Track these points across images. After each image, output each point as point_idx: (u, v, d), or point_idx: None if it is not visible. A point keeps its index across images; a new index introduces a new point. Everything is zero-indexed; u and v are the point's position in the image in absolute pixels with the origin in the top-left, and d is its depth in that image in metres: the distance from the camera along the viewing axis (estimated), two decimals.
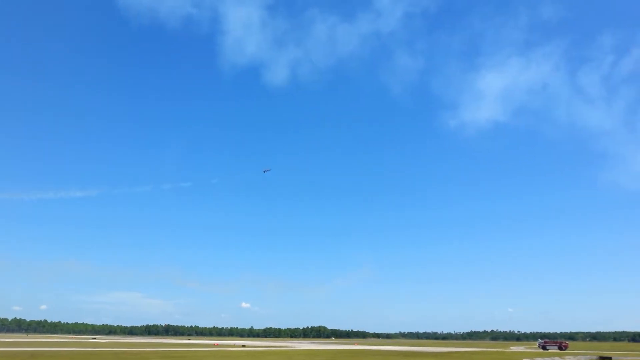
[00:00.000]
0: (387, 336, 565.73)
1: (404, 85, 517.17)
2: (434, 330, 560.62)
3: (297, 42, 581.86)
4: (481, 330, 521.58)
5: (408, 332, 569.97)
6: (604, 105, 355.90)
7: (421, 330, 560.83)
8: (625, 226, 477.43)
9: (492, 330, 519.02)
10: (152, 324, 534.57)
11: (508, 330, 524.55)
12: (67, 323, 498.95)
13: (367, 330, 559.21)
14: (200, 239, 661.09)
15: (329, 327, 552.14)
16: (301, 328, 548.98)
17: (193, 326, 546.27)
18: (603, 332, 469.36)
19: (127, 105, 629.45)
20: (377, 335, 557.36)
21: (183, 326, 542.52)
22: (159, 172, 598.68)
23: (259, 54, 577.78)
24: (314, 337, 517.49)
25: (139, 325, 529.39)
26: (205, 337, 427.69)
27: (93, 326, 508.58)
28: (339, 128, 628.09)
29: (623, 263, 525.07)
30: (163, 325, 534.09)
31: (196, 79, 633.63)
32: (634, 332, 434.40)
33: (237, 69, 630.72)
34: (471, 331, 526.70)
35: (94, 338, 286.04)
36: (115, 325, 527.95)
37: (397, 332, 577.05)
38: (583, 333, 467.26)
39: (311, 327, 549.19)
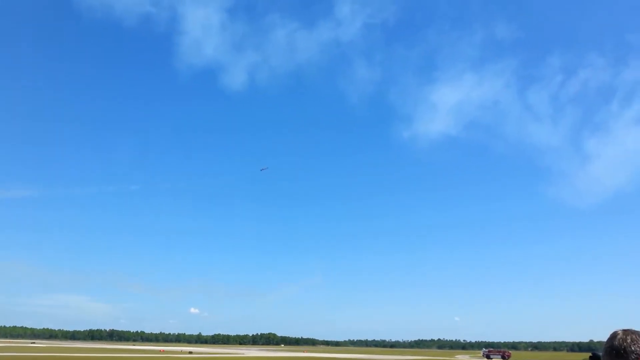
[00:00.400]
0: (337, 344, 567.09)
1: (362, 95, 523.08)
2: (382, 338, 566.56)
3: (256, 47, 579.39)
4: (428, 338, 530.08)
5: (357, 340, 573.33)
6: (551, 123, 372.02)
7: (370, 338, 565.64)
8: (566, 239, 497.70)
9: (439, 339, 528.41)
10: (95, 329, 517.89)
11: (454, 339, 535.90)
12: (5, 326, 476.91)
13: (316, 338, 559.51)
14: (148, 243, 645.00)
15: (279, 334, 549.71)
16: (250, 335, 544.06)
17: (139, 332, 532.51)
18: (544, 342, 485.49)
19: (73, 103, 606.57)
20: (327, 343, 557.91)
21: (129, 331, 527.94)
22: (106, 174, 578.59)
23: (217, 56, 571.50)
24: (263, 344, 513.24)
25: (82, 330, 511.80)
26: (152, 343, 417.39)
27: (33, 330, 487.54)
28: (296, 134, 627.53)
29: (563, 275, 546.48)
30: (107, 330, 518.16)
31: (150, 80, 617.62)
32: (572, 342, 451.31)
33: (193, 71, 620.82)
34: (419, 339, 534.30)
35: (33, 342, 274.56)
36: (57, 329, 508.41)
37: (347, 339, 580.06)
38: (525, 343, 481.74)
39: (261, 334, 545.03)
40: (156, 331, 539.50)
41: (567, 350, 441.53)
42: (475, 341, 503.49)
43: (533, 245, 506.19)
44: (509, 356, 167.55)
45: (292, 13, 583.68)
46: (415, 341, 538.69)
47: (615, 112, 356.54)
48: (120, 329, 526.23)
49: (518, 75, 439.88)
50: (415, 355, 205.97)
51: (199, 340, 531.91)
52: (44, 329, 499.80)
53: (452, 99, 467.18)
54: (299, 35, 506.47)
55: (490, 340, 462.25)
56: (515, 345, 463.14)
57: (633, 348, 3.35)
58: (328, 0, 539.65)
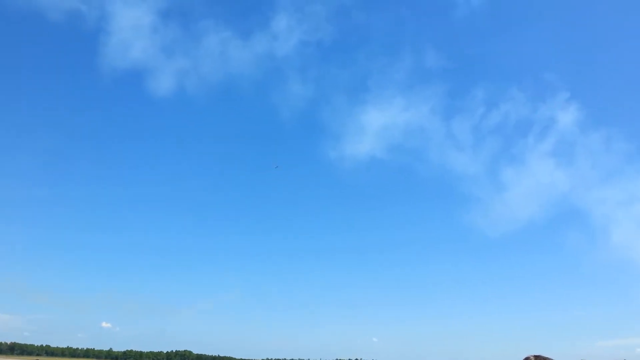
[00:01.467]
0: None
1: (293, 110, 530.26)
2: (300, 357, 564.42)
3: (186, 52, 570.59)
4: (346, 358, 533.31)
5: (275, 359, 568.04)
6: (471, 151, 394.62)
7: (289, 357, 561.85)
8: (478, 265, 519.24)
9: (357, 359, 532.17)
10: None
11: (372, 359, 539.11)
12: None
13: (234, 356, 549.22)
14: (59, 251, 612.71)
15: (195, 351, 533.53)
16: (165, 352, 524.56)
17: (44, 345, 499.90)
18: None
19: None
20: None
21: (32, 345, 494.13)
22: (13, 180, 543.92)
23: (145, 59, 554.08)
24: None
25: None
26: (57, 358, 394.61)
27: None
28: (224, 144, 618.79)
29: (473, 298, 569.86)
30: (8, 343, 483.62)
31: (72, 78, 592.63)
32: None
33: (118, 73, 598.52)
34: (337, 359, 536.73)
35: None
36: None
37: (265, 358, 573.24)
38: None
39: (176, 351, 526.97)
40: (63, 345, 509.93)
41: None
42: None
43: (448, 269, 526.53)
44: None
45: (228, 21, 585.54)
46: None
47: (530, 145, 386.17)
48: (23, 342, 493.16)
49: (444, 103, 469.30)
50: None
51: (109, 356, 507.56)
52: None
53: (380, 122, 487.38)
54: (233, 45, 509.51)
55: None
56: None
57: None
58: (265, 13, 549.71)
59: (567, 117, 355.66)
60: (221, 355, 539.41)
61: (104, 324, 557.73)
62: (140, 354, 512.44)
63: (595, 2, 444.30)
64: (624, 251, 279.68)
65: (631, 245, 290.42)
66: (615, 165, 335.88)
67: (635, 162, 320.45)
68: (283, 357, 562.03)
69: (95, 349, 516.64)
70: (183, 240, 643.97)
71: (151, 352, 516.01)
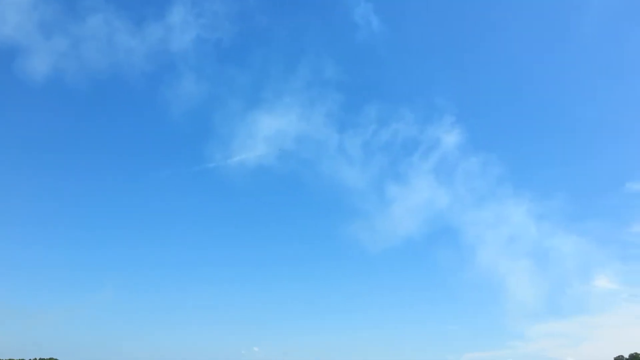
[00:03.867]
0: None
1: (185, 109, 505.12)
2: None
3: (68, 34, 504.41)
4: None
5: None
6: (360, 167, 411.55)
7: None
8: (360, 279, 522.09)
9: None
10: None
11: None
12: None
13: None
14: None
15: (62, 358, 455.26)
16: None
17: None
18: None
19: None
20: None
21: None
22: None
23: (18, 36, 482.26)
24: None
25: None
26: None
27: None
28: (102, 139, 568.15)
29: (354, 310, 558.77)
30: None
31: None
32: None
33: None
34: None
35: None
36: None
37: None
38: None
39: (40, 358, 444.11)
40: None
41: None
42: None
43: (331, 281, 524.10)
44: None
45: (120, 6, 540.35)
46: None
47: (415, 164, 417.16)
48: None
49: (338, 117, 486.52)
50: None
51: None
52: None
53: (273, 129, 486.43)
54: (123, 32, 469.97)
55: None
56: None
57: None
58: (161, 3, 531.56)
59: (450, 139, 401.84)
60: None
61: None
62: None
63: (486, 36, 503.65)
64: (489, 271, 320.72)
65: (495, 265, 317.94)
66: (488, 188, 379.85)
67: (505, 187, 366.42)
68: None
69: None
70: (52, 234, 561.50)
71: None
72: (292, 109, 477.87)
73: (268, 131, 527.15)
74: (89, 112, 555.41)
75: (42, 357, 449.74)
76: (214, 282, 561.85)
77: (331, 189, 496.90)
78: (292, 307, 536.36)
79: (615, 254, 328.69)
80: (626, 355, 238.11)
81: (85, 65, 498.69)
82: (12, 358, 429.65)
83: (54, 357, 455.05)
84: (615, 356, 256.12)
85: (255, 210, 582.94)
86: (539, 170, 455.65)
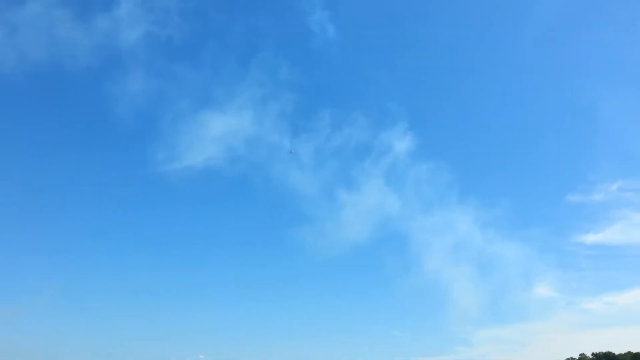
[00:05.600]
0: None
1: (131, 108, 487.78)
2: None
3: (4, 21, 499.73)
4: None
5: None
6: (312, 172, 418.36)
7: None
8: (308, 285, 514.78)
9: None
10: None
11: None
12: None
13: None
14: None
15: None
16: None
17: None
18: None
19: None
20: None
21: None
22: None
23: None
24: None
25: None
26: None
27: None
28: (39, 136, 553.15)
29: (303, 316, 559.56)
30: None
31: None
32: None
33: None
34: None
35: None
36: None
37: None
38: None
39: None
40: None
41: None
42: None
43: (279, 287, 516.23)
44: None
45: None
46: None
47: (367, 169, 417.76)
48: None
49: (292, 121, 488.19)
50: None
51: None
52: None
53: (224, 131, 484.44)
54: (65, 23, 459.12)
55: None
56: None
57: None
58: None
59: (402, 146, 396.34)
60: None
61: None
62: None
63: (438, 47, 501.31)
64: (435, 277, 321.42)
65: (441, 271, 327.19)
66: (436, 195, 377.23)
67: (453, 194, 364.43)
68: None
69: None
70: None
71: None
72: (244, 110, 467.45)
73: (218, 133, 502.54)
74: (25, 106, 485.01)
75: None
76: (158, 289, 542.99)
77: (281, 193, 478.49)
78: (238, 313, 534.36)
79: (555, 263, 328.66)
80: None
81: (23, 56, 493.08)
82: None
83: None
84: None
85: (202, 214, 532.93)
86: (485, 178, 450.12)
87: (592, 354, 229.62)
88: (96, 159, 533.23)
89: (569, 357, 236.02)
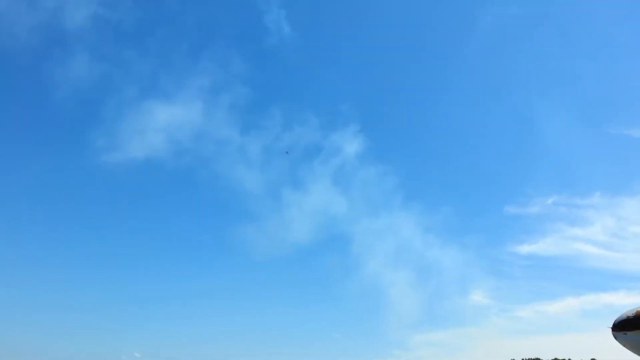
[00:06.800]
0: None
1: (73, 93, 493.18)
2: None
3: None
4: None
5: None
6: (259, 170, 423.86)
7: None
8: (247, 284, 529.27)
9: None
10: None
11: None
12: None
13: None
14: None
15: None
16: None
17: None
18: None
19: None
20: None
21: None
22: None
23: None
24: None
25: None
26: None
27: None
28: None
29: (240, 316, 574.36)
30: None
31: None
32: None
33: None
34: None
35: None
36: None
37: None
38: None
39: None
40: None
41: None
42: None
43: (217, 286, 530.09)
44: None
45: None
46: None
47: (315, 170, 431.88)
48: None
49: (241, 117, 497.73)
50: None
51: None
52: None
53: (170, 122, 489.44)
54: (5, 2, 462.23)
55: None
56: None
57: None
58: None
59: (352, 148, 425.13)
60: None
61: None
62: None
63: (394, 52, 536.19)
64: (375, 280, 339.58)
65: (381, 275, 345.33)
66: (382, 198, 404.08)
67: (398, 198, 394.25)
68: None
69: None
70: None
71: None
72: (192, 102, 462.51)
73: (164, 124, 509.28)
74: None
75: None
76: (93, 283, 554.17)
77: (227, 190, 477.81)
78: (175, 310, 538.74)
79: (491, 271, 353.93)
80: None
81: None
82: None
83: None
84: None
85: (141, 206, 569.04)
86: (429, 184, 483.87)
87: (522, 359, 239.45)
88: (30, 145, 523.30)
89: None
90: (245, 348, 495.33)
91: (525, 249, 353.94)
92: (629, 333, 56.53)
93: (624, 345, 58.20)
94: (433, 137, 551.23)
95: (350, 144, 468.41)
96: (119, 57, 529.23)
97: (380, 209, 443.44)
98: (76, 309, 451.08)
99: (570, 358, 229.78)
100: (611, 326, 58.70)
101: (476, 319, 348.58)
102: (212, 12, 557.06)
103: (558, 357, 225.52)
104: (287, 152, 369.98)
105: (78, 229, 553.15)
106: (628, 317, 56.95)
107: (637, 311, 55.89)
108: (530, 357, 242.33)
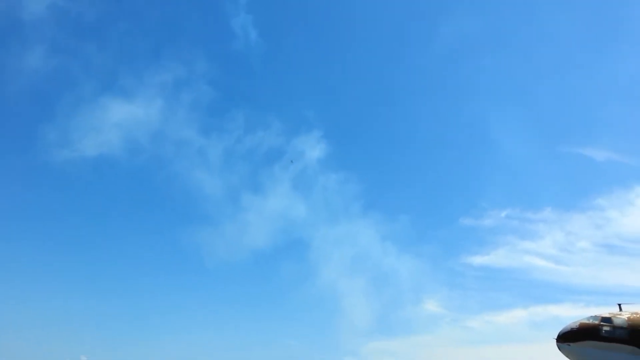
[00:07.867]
0: None
1: (23, 87, 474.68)
2: None
3: None
4: None
5: None
6: (219, 174, 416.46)
7: None
8: (201, 290, 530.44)
9: None
10: None
11: None
12: None
13: None
14: None
15: None
16: None
17: None
18: None
19: None
20: None
21: None
22: None
23: None
24: None
25: None
26: None
27: None
28: None
29: (192, 322, 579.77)
30: None
31: None
32: None
33: None
34: None
35: None
36: None
37: None
38: None
39: None
40: None
41: None
42: None
43: (169, 290, 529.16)
44: None
45: None
46: None
47: (276, 175, 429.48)
48: None
49: (203, 117, 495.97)
50: None
51: None
52: None
53: (127, 119, 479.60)
54: None
55: None
56: None
57: None
58: None
59: (314, 153, 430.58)
60: None
61: None
62: None
63: (360, 60, 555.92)
64: (331, 287, 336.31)
65: (336, 283, 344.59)
66: (342, 205, 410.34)
67: (357, 207, 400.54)
68: None
69: None
70: None
71: None
72: (151, 100, 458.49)
73: (121, 121, 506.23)
74: None
75: None
76: (37, 284, 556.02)
77: (184, 193, 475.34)
78: (124, 314, 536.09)
79: (444, 281, 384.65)
80: None
81: None
82: None
83: None
84: None
85: (93, 207, 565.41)
86: (389, 193, 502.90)
87: None
88: None
89: None
90: (197, 354, 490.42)
91: (477, 260, 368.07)
92: (572, 344, 56.97)
93: (567, 356, 58.75)
94: (395, 147, 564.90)
95: (313, 150, 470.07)
96: (77, 50, 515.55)
97: (339, 215, 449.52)
98: (22, 310, 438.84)
99: None
100: (555, 337, 59.24)
101: (429, 328, 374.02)
102: (177, 10, 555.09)
103: None
104: (292, 161, 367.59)
105: (23, 228, 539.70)
106: (572, 328, 57.48)
107: (581, 323, 56.39)
108: None
